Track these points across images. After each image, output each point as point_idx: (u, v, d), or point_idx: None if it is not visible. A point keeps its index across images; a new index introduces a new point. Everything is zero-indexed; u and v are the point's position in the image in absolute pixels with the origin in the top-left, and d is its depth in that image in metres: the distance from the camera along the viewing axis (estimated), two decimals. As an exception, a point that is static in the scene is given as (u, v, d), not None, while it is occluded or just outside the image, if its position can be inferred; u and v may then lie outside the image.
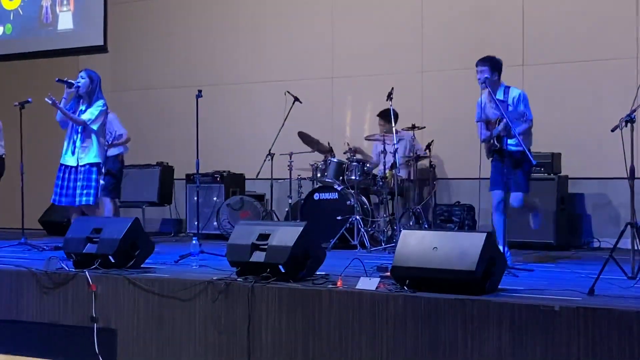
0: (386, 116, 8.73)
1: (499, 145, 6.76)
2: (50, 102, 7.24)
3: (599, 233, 8.90)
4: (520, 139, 6.64)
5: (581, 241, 8.93)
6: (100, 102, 7.46)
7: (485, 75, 6.78)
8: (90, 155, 7.42)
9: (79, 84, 7.42)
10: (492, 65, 6.88)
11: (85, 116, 7.40)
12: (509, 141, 6.74)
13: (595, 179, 8.91)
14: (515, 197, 6.88)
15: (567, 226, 8.79)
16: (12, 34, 12.49)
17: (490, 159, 7.01)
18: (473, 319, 4.72)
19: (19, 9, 12.43)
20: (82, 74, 7.53)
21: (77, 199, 7.39)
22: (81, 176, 7.39)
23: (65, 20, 12.09)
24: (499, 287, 5.17)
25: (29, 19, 12.34)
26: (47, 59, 12.14)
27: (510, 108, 6.81)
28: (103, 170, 7.58)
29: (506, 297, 4.85)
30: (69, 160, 7.45)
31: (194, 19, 11.16)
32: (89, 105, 7.45)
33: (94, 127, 7.41)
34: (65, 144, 7.51)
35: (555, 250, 8.27)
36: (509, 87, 6.97)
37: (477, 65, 6.91)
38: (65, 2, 12.09)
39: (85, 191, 7.36)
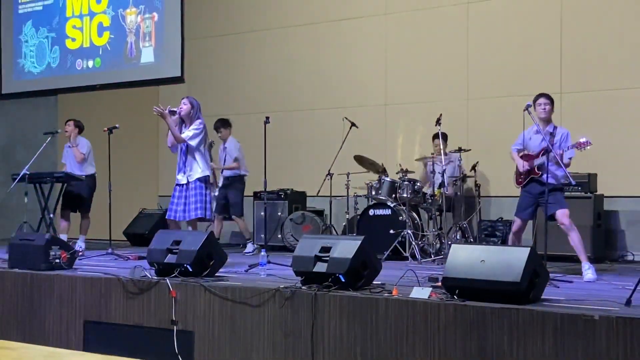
0: (442, 137, 8.71)
1: (541, 174, 6.73)
2: (157, 112, 7.33)
3: (633, 247, 8.74)
4: (565, 170, 6.65)
5: (616, 255, 8.75)
6: (196, 123, 7.42)
7: (549, 108, 6.86)
8: (196, 171, 7.38)
9: (181, 110, 7.43)
10: (552, 101, 6.94)
11: (184, 134, 7.41)
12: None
13: (629, 197, 8.74)
14: (562, 214, 6.78)
15: (604, 241, 8.65)
16: (101, 67, 12.77)
17: (522, 186, 6.98)
18: (518, 326, 4.67)
19: (107, 45, 12.71)
20: (184, 100, 7.49)
21: (188, 214, 7.34)
22: (192, 192, 7.34)
23: (147, 55, 12.32)
24: (542, 297, 5.11)
25: (115, 53, 12.60)
26: (130, 89, 12.39)
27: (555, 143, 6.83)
28: (212, 185, 7.60)
29: (549, 307, 4.80)
30: (181, 179, 7.40)
31: (262, 53, 11.27)
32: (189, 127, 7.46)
33: (192, 143, 7.37)
34: (177, 166, 7.47)
35: (593, 263, 8.08)
36: (556, 126, 6.98)
37: (540, 98, 6.88)
38: (147, 38, 12.32)
39: (197, 205, 7.31)
